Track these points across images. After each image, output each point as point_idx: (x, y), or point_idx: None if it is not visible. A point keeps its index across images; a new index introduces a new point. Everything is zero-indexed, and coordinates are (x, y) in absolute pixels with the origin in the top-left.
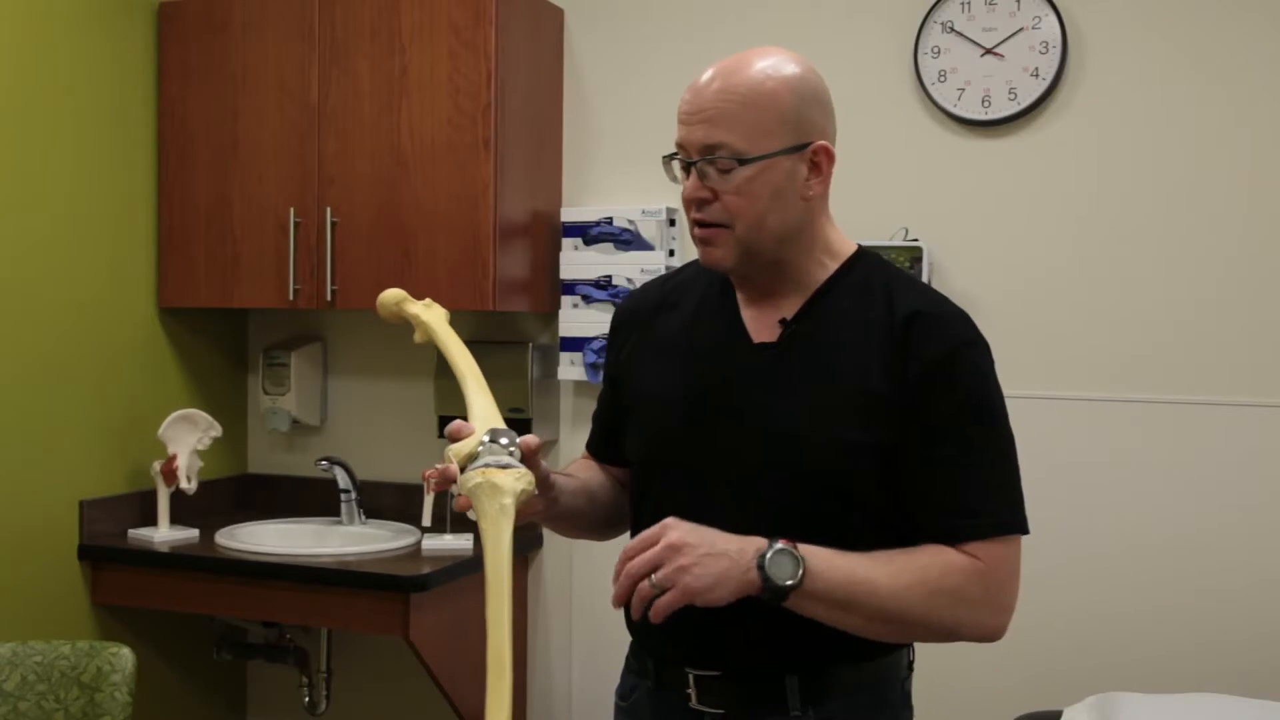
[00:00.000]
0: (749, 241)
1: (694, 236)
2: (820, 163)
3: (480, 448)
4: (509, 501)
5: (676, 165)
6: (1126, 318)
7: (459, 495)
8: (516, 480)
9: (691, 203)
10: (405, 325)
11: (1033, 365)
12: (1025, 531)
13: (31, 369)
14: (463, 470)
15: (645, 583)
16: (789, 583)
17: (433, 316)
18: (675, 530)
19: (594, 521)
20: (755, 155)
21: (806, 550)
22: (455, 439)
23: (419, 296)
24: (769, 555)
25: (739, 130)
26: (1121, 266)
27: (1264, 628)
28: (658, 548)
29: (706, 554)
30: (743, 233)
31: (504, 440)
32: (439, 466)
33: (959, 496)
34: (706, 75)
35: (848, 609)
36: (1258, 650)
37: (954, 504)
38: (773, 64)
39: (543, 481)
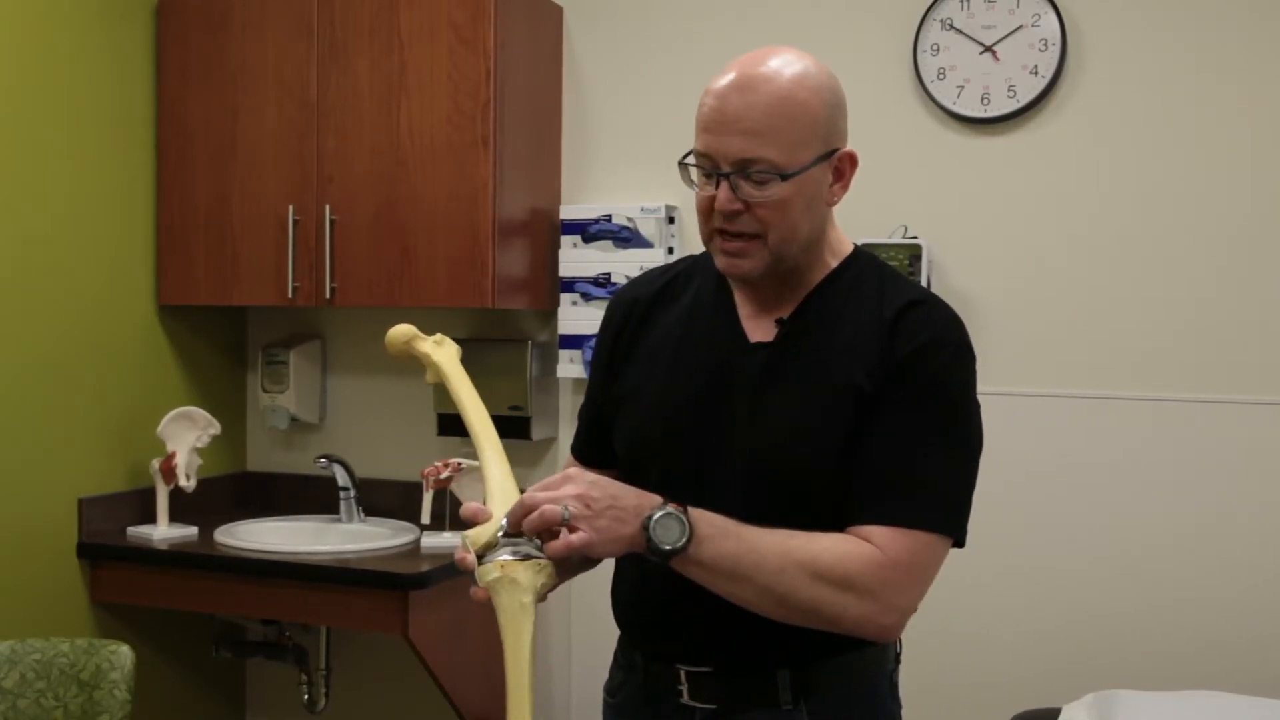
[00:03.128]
0: (779, 252)
1: (717, 247)
2: (844, 169)
3: (499, 533)
4: (529, 600)
5: (695, 172)
6: (1126, 315)
7: (477, 586)
8: (537, 574)
9: (720, 214)
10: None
11: (1031, 363)
12: (951, 536)
13: (31, 367)
14: (481, 558)
15: (557, 508)
16: (670, 547)
17: (444, 356)
18: (578, 481)
19: (591, 562)
20: (794, 170)
21: (698, 516)
22: (472, 524)
23: (421, 294)
24: (655, 517)
25: (777, 144)
26: (1121, 263)
27: (1263, 626)
28: (563, 492)
29: (609, 507)
30: (775, 244)
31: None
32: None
33: (888, 480)
34: (728, 80)
35: (732, 580)
36: (1257, 649)
37: (881, 486)
38: (800, 70)
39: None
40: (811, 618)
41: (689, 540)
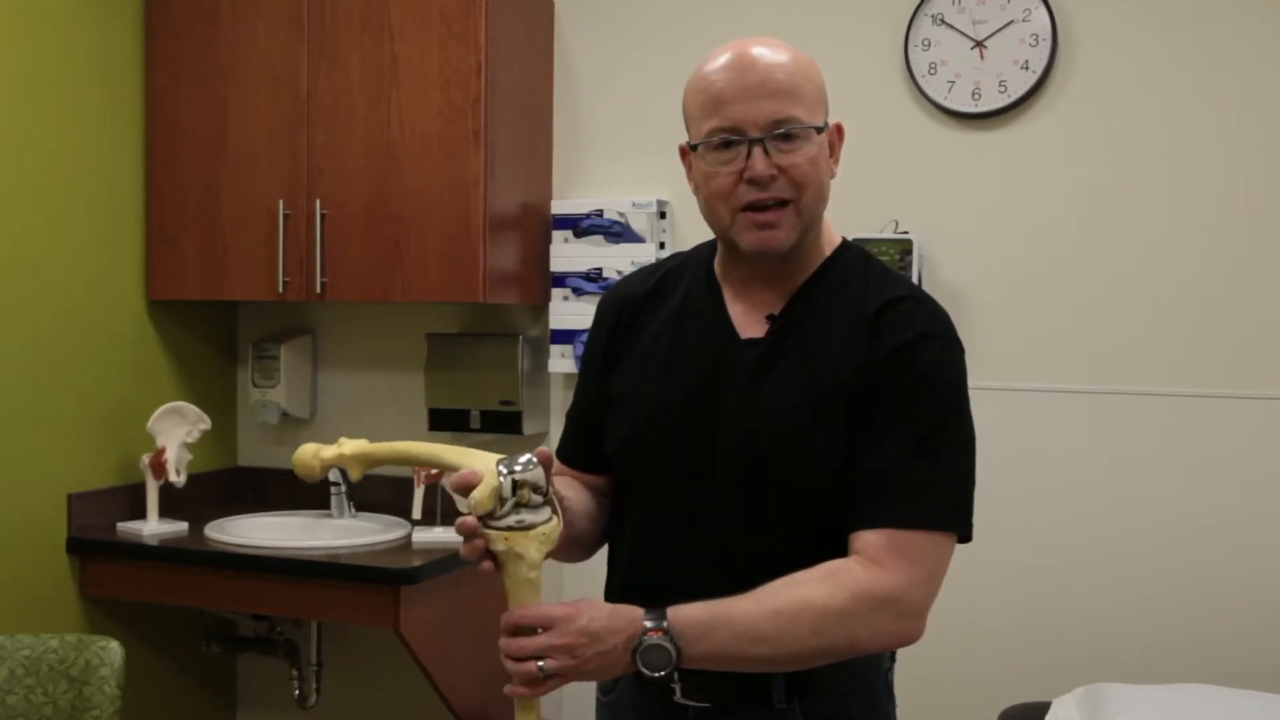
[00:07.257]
0: (809, 216)
1: (745, 223)
2: (836, 142)
3: (500, 479)
4: (535, 575)
5: (710, 157)
6: (1118, 310)
7: (484, 559)
8: (541, 545)
9: (754, 184)
10: (391, 322)
11: (1023, 358)
12: (959, 532)
13: (20, 362)
14: (485, 519)
15: (533, 665)
16: (663, 673)
17: (356, 444)
18: (564, 628)
19: (589, 547)
20: (821, 125)
21: (681, 621)
22: (466, 490)
23: (412, 288)
24: (641, 649)
25: (803, 103)
26: (1113, 258)
27: (1253, 619)
28: (546, 642)
29: (596, 653)
30: (806, 207)
31: (522, 460)
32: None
33: (883, 482)
34: (731, 57)
35: (738, 662)
36: (1246, 642)
37: (876, 489)
38: (786, 45)
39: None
40: (833, 657)
41: (678, 656)
